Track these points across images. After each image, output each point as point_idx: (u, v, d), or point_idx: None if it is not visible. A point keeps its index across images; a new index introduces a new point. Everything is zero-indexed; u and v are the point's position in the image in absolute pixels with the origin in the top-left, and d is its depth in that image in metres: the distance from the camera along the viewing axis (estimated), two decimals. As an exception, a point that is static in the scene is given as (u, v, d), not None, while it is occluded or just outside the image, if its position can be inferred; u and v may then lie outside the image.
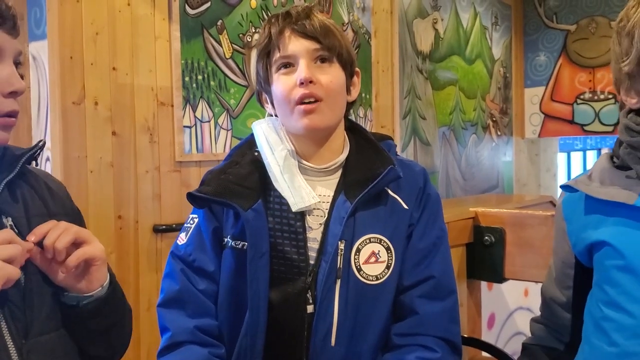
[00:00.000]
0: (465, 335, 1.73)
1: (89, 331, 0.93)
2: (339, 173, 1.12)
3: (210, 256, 1.11)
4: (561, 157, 5.96)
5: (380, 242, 1.08)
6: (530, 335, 1.19)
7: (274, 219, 1.08)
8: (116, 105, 2.10)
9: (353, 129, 1.19)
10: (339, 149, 1.14)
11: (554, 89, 4.63)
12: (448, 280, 1.13)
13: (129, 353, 2.19)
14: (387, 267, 1.07)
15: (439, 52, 3.78)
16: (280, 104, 1.09)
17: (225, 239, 1.10)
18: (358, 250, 1.06)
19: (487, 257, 2.09)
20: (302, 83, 1.04)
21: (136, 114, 2.16)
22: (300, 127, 1.07)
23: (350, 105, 1.15)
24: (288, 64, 1.07)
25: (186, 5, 2.30)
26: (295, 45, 1.06)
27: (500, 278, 2.12)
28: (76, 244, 0.87)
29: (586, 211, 1.00)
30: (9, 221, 0.87)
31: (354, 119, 1.23)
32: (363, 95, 3.18)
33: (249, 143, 1.17)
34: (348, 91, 1.13)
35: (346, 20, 3.05)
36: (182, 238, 1.15)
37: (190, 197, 1.08)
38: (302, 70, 1.05)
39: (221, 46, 2.43)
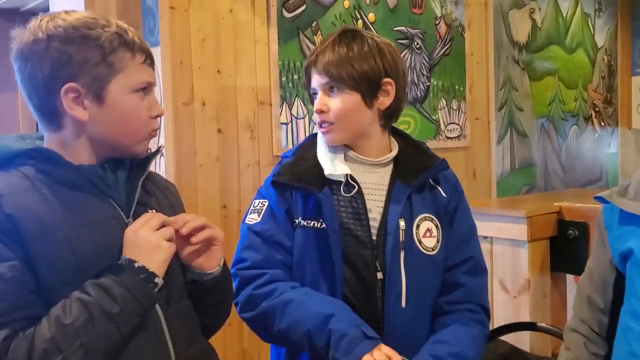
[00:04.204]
0: (545, 325, 1.73)
1: (204, 304, 1.11)
2: (390, 166, 1.34)
3: (286, 231, 1.29)
4: (675, 148, 5.58)
5: (432, 220, 1.31)
6: (565, 342, 1.20)
7: (339, 202, 1.28)
8: (221, 105, 2.29)
9: (399, 134, 1.41)
10: (386, 149, 1.36)
11: (665, 76, 4.38)
12: (482, 261, 1.38)
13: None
14: (438, 241, 1.31)
15: (536, 42, 3.70)
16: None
17: (297, 220, 1.29)
18: (417, 226, 1.29)
19: (571, 251, 2.09)
20: (316, 112, 1.30)
21: (239, 112, 2.34)
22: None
23: (387, 110, 1.32)
24: (315, 93, 1.32)
25: (283, 10, 2.45)
26: (315, 80, 1.31)
27: (583, 271, 2.10)
28: (204, 226, 1.06)
29: (620, 222, 1.03)
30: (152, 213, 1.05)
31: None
32: (456, 87, 3.20)
33: (311, 142, 1.37)
34: (370, 105, 1.30)
35: (439, 15, 3.08)
36: (253, 218, 1.32)
37: (274, 183, 1.29)
38: (316, 102, 1.30)
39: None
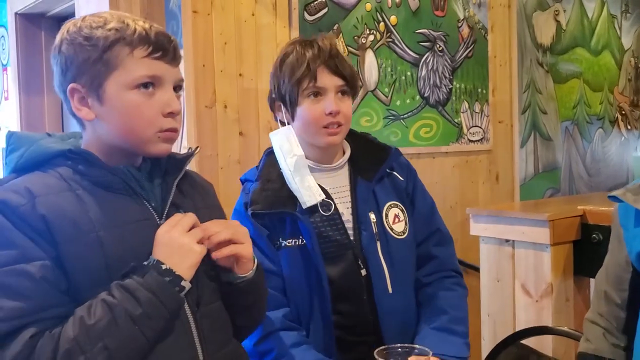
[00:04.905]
0: (566, 328, 1.71)
1: (238, 305, 1.11)
2: (346, 167, 1.41)
3: (271, 257, 1.32)
4: None
5: (397, 206, 1.40)
6: (585, 334, 1.21)
7: (314, 215, 1.33)
8: (243, 108, 2.31)
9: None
10: (341, 151, 1.42)
11: (694, 78, 4.29)
12: (447, 231, 1.49)
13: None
14: (406, 224, 1.40)
15: (560, 45, 3.66)
16: (307, 124, 1.32)
17: (279, 242, 1.32)
18: (386, 215, 1.37)
19: (594, 255, 2.05)
20: (330, 113, 1.30)
21: (260, 115, 2.36)
22: (323, 143, 1.34)
23: None
24: (317, 93, 1.32)
25: (305, 13, 2.47)
26: (328, 80, 1.31)
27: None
28: (231, 241, 1.03)
29: (636, 221, 1.02)
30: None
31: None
32: (479, 90, 3.18)
33: (270, 160, 1.40)
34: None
35: (461, 17, 3.07)
36: None
37: (253, 215, 1.32)
38: (331, 103, 1.30)
39: (337, 49, 2.56)
